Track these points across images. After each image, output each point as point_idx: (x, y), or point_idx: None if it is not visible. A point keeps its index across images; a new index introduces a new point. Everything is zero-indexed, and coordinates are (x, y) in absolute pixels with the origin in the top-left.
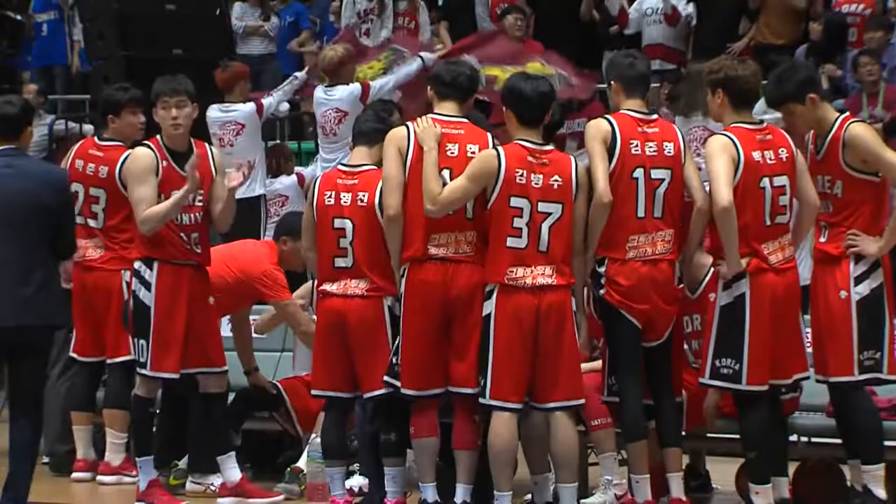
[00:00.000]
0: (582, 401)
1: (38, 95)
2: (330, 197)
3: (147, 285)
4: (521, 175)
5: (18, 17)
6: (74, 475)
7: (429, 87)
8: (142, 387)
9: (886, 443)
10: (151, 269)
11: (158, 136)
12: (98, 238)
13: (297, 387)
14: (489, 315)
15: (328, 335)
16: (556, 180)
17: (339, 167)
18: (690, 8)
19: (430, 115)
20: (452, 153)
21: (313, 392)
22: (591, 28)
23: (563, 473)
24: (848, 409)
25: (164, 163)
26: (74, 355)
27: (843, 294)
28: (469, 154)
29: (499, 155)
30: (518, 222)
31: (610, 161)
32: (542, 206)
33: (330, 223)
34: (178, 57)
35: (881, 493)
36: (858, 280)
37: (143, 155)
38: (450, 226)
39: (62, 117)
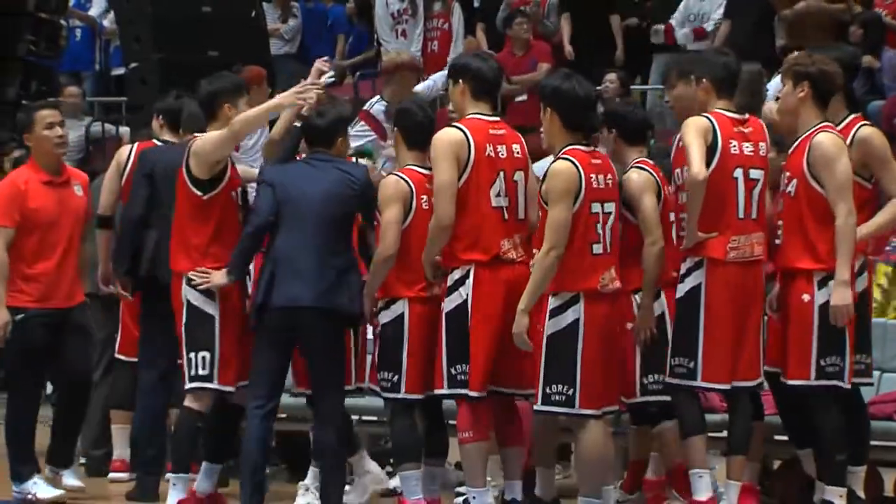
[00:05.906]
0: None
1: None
2: (425, 202)
3: (212, 295)
4: (594, 179)
5: (58, 20)
6: (111, 475)
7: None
8: (197, 401)
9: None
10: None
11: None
12: None
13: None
14: (576, 321)
15: (430, 333)
16: (609, 179)
17: (420, 170)
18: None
19: (472, 116)
20: (502, 155)
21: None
22: (638, 32)
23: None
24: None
25: None
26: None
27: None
28: (515, 155)
29: (575, 165)
30: (599, 228)
31: (711, 159)
32: (606, 207)
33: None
34: (213, 59)
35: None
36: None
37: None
38: (508, 231)
39: (98, 119)
